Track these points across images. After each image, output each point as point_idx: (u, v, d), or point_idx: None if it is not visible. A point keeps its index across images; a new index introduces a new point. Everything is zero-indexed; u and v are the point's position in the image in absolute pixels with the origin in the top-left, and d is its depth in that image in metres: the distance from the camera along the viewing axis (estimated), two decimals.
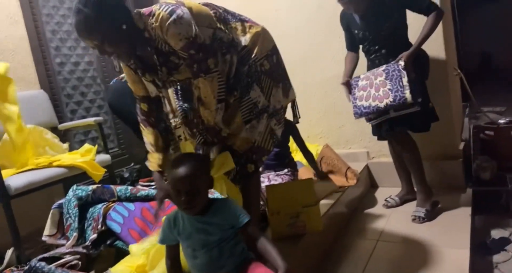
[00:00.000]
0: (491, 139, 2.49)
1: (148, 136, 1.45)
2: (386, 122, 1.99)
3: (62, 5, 2.65)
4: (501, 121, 2.55)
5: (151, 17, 1.24)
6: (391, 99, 1.84)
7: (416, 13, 1.94)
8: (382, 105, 1.87)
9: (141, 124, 1.47)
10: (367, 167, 2.53)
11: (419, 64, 1.92)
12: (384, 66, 1.91)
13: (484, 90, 5.52)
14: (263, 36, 1.48)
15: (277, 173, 2.13)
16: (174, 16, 1.20)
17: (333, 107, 2.67)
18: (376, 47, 2.01)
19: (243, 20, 1.47)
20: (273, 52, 1.51)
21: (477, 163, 2.36)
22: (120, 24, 1.20)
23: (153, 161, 1.44)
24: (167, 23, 1.20)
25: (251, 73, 1.41)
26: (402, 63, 1.85)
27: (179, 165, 1.09)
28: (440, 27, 2.23)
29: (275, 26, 2.72)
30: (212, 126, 1.35)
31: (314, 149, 2.58)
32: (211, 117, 1.32)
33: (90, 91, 2.75)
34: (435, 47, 2.25)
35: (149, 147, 1.46)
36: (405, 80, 1.82)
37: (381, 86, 1.90)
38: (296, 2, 2.68)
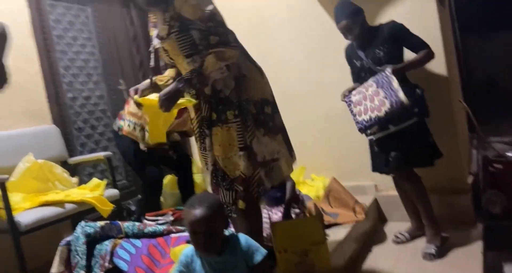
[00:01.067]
0: (500, 172, 2.47)
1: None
2: (387, 159, 2.00)
3: (75, 42, 2.76)
4: (510, 154, 2.54)
5: None
6: (388, 106, 1.84)
7: (408, 49, 2.01)
8: (381, 114, 1.88)
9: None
10: (375, 201, 2.51)
11: (415, 101, 1.93)
12: (373, 78, 1.95)
13: (492, 120, 5.51)
14: (259, 83, 1.58)
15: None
16: None
17: (339, 139, 2.69)
18: (365, 77, 2.05)
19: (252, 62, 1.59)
20: (265, 103, 1.57)
21: (487, 196, 2.32)
22: None
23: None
24: None
25: (243, 107, 1.48)
26: (389, 69, 1.88)
27: (196, 206, 1.10)
28: (443, 61, 2.28)
29: (276, 57, 2.84)
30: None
31: (321, 181, 2.58)
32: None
33: (100, 124, 2.81)
34: (439, 80, 2.28)
35: None
36: (395, 84, 1.83)
37: (374, 96, 1.91)
38: (297, 34, 2.75)
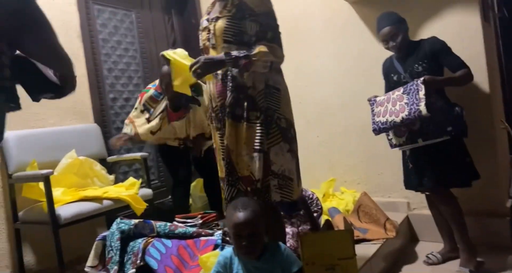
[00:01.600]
0: None
1: None
2: (421, 177, 1.95)
3: (119, 46, 2.88)
4: None
5: None
6: (406, 113, 1.82)
7: (447, 68, 1.97)
8: (398, 119, 1.87)
9: None
10: (407, 219, 2.44)
11: (452, 120, 1.89)
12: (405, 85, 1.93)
13: None
14: (289, 102, 1.61)
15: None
16: None
17: (373, 153, 2.65)
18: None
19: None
20: (292, 127, 1.60)
21: None
22: None
23: None
24: None
25: (268, 114, 1.50)
26: (421, 79, 1.84)
27: (240, 209, 1.15)
28: (486, 78, 2.21)
29: (314, 69, 2.85)
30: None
31: (351, 195, 2.55)
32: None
33: None
34: (481, 98, 2.22)
35: None
36: (421, 93, 1.80)
37: (398, 100, 1.90)
38: (336, 48, 2.75)
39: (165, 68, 2.28)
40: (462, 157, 1.92)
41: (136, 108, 2.43)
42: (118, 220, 1.82)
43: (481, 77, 2.20)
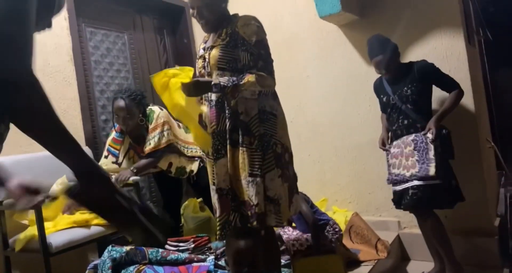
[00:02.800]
0: None
1: None
2: (408, 197, 1.99)
3: (111, 67, 2.90)
4: None
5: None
6: (417, 170, 1.92)
7: (439, 88, 2.05)
8: (408, 174, 1.95)
9: None
10: (398, 238, 2.47)
11: (441, 143, 1.94)
12: (413, 136, 1.99)
13: None
14: (286, 126, 1.65)
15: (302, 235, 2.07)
16: (259, 22, 1.59)
17: (364, 173, 2.68)
18: (399, 115, 2.07)
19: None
20: (288, 151, 1.63)
21: None
22: (221, 2, 1.61)
23: None
24: (252, 21, 1.57)
25: (265, 139, 1.54)
26: (429, 136, 1.89)
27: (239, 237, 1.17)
28: (471, 100, 2.27)
29: (306, 90, 2.89)
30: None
31: (343, 215, 2.57)
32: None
33: None
34: (467, 119, 2.27)
35: None
36: (431, 153, 1.88)
37: (410, 156, 1.97)
38: (325, 69, 2.80)
39: (120, 102, 2.23)
40: (448, 179, 1.96)
41: (105, 157, 2.39)
42: (110, 247, 1.82)
43: (466, 99, 2.25)
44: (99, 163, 2.38)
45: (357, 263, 2.14)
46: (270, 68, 1.57)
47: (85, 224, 2.00)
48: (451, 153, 2.00)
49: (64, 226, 1.96)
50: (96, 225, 2.01)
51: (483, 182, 2.27)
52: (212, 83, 1.49)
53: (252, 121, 1.54)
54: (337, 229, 2.01)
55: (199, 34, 3.38)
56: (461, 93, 2.02)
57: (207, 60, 1.61)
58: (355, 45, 2.66)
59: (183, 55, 3.34)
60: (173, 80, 1.59)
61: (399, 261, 2.42)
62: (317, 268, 1.68)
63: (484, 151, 2.38)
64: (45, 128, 0.73)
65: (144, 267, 1.78)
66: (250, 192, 1.50)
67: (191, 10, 1.64)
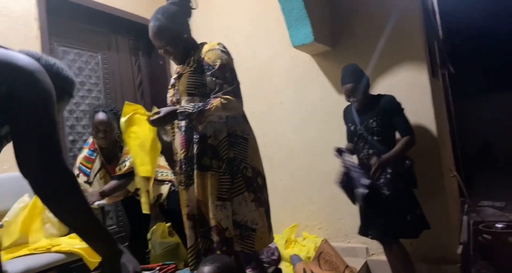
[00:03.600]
0: (489, 243, 2.49)
1: None
2: (372, 224, 2.02)
3: (82, 87, 2.85)
4: (499, 225, 2.58)
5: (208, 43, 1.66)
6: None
7: (395, 127, 2.11)
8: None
9: None
10: (366, 264, 2.49)
11: (404, 174, 2.02)
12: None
13: (486, 184, 5.61)
14: (260, 157, 1.66)
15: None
16: (223, 47, 1.63)
17: (334, 199, 2.71)
18: (364, 144, 2.13)
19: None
20: (260, 175, 1.65)
21: (476, 268, 2.33)
22: (183, 34, 1.63)
23: None
24: (217, 46, 1.60)
25: (234, 163, 1.56)
26: (375, 162, 2.00)
27: (207, 263, 1.19)
28: (435, 131, 2.37)
29: (278, 115, 2.94)
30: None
31: (313, 241, 2.57)
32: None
33: None
34: (431, 149, 2.36)
35: None
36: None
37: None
38: (299, 96, 2.87)
39: (101, 115, 2.21)
40: (412, 209, 2.01)
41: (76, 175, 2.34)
42: None
43: (430, 130, 2.36)
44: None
45: None
46: (236, 91, 1.57)
47: (46, 251, 1.91)
48: (414, 182, 2.06)
49: (23, 253, 1.86)
50: (57, 251, 1.91)
51: (446, 210, 2.34)
52: (178, 111, 1.51)
53: (220, 144, 1.55)
54: (276, 256, 2.04)
55: None
56: (411, 141, 2.04)
57: (176, 87, 1.63)
58: (327, 74, 2.75)
59: (158, 77, 3.34)
60: (137, 116, 1.63)
61: None
62: None
63: (447, 180, 2.47)
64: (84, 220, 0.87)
65: None
66: (218, 216, 1.49)
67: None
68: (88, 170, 2.31)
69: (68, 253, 1.91)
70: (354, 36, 2.62)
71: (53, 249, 1.91)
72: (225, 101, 1.50)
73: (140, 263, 2.06)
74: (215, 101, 1.50)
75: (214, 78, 1.55)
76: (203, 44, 1.67)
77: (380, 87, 2.49)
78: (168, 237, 2.76)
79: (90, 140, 2.36)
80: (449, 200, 2.40)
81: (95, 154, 2.33)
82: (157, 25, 1.59)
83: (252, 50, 3.01)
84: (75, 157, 2.70)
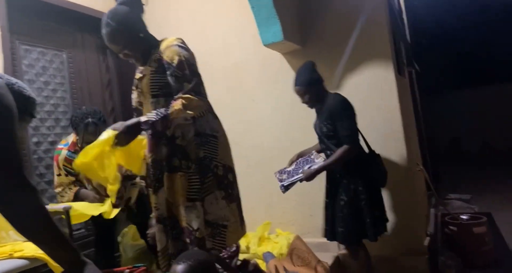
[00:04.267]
0: (455, 234, 2.58)
1: None
2: (333, 229, 2.08)
3: (47, 87, 2.75)
4: (464, 217, 2.68)
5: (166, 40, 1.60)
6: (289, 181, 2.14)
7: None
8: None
9: None
10: (337, 259, 2.52)
11: (367, 174, 2.03)
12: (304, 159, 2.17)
13: (453, 177, 5.83)
14: (230, 153, 1.64)
15: None
16: (181, 42, 1.57)
17: (306, 196, 2.74)
18: (323, 146, 2.15)
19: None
20: (231, 171, 1.64)
21: (442, 259, 2.41)
22: (138, 34, 1.57)
23: None
24: (174, 42, 1.55)
25: (204, 163, 1.53)
26: (302, 176, 2.07)
27: (180, 262, 1.13)
28: (400, 128, 2.43)
29: (252, 115, 2.94)
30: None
31: (286, 238, 2.59)
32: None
33: None
34: (398, 146, 2.42)
35: None
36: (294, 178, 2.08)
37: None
38: (270, 94, 2.88)
39: (92, 128, 2.17)
40: (371, 211, 1.99)
41: (59, 175, 2.27)
42: None
43: (396, 126, 2.42)
44: (57, 182, 2.28)
45: None
46: (197, 88, 1.52)
47: (8, 257, 1.83)
48: (381, 180, 2.06)
49: None
50: (19, 257, 1.83)
51: (413, 204, 2.41)
52: (140, 118, 1.47)
53: (188, 144, 1.53)
54: (236, 247, 2.06)
55: None
56: (348, 151, 1.94)
57: (139, 89, 1.60)
58: None
59: (127, 76, 3.25)
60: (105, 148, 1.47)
61: None
62: None
63: (414, 174, 2.55)
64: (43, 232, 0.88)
65: None
66: (189, 217, 1.48)
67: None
68: (73, 170, 2.25)
69: (32, 259, 1.83)
70: (323, 35, 2.66)
71: (16, 254, 1.82)
72: (186, 102, 1.46)
73: (109, 267, 2.02)
74: (176, 104, 1.46)
75: (173, 77, 1.51)
76: (162, 41, 1.63)
77: (347, 85, 2.54)
78: (140, 239, 2.70)
79: (70, 139, 2.30)
80: (416, 193, 2.47)
81: (75, 155, 2.25)
82: (109, 31, 1.53)
83: (226, 49, 3.00)
84: (39, 159, 2.61)
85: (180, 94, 1.48)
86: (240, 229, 1.62)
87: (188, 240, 1.49)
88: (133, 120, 1.48)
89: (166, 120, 1.45)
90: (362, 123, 2.40)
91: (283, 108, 2.84)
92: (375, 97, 2.45)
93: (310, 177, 2.03)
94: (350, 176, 2.01)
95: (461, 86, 8.36)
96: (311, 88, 2.08)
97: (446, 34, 7.61)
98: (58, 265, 1.88)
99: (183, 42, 1.58)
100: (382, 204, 2.10)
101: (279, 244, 2.52)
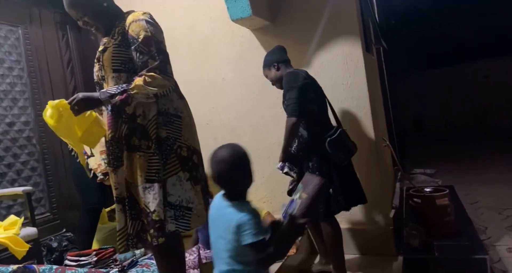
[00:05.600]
0: (419, 206, 2.68)
1: None
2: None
3: (2, 65, 2.59)
4: (427, 189, 2.78)
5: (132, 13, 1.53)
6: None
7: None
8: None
9: None
10: (307, 234, 2.58)
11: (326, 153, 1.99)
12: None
13: (418, 153, 6.05)
14: (196, 134, 1.61)
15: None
16: (150, 17, 1.50)
17: (277, 173, 2.72)
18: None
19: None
20: (196, 153, 1.59)
21: (407, 230, 2.51)
22: (101, 2, 1.51)
23: None
24: (142, 16, 1.47)
25: (167, 143, 1.49)
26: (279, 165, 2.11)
27: (218, 150, 1.23)
28: (367, 104, 2.46)
29: (220, 91, 2.90)
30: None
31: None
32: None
33: (24, 152, 2.62)
34: (365, 122, 2.45)
35: None
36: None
37: None
38: (240, 72, 2.83)
39: None
40: (337, 186, 2.00)
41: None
42: None
43: (363, 102, 2.45)
44: (89, 163, 2.23)
45: None
46: (163, 66, 1.44)
47: None
48: (342, 155, 2.01)
49: None
50: None
51: (379, 178, 2.48)
52: (101, 91, 1.43)
53: (149, 124, 1.47)
54: None
55: None
56: (291, 124, 1.95)
57: (101, 62, 1.52)
58: (267, 49, 2.71)
59: (89, 53, 3.11)
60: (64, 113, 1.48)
61: (307, 256, 2.53)
62: None
63: (380, 150, 2.61)
64: None
65: None
66: (146, 199, 1.43)
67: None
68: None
69: None
70: (292, 11, 2.62)
71: None
72: (149, 79, 1.40)
73: (87, 247, 1.97)
74: (137, 80, 1.40)
75: (138, 53, 1.44)
76: (128, 13, 1.55)
77: (316, 62, 2.54)
78: (108, 222, 2.64)
79: None
80: (381, 168, 2.54)
81: None
82: None
83: (194, 26, 2.90)
84: None
85: (143, 72, 1.42)
86: (205, 213, 1.60)
87: (145, 221, 1.45)
88: (90, 93, 1.45)
89: (126, 94, 1.40)
90: (330, 99, 2.42)
91: (251, 85, 2.80)
92: (343, 75, 2.46)
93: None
94: (313, 156, 2.01)
95: (427, 66, 8.62)
96: (271, 69, 2.16)
97: (415, 15, 7.75)
98: (19, 248, 1.83)
99: (151, 17, 1.51)
100: (353, 178, 2.10)
101: None
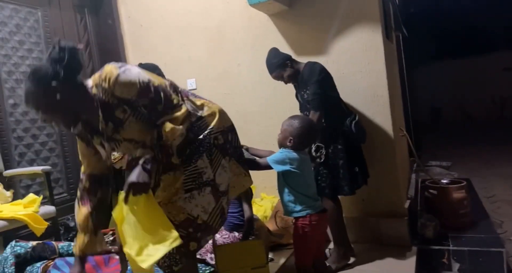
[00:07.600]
0: (434, 197, 2.65)
1: (78, 215, 1.42)
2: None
3: (22, 46, 2.62)
4: (444, 181, 2.74)
5: (99, 75, 1.28)
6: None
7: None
8: None
9: (77, 200, 1.45)
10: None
11: (342, 134, 2.06)
12: None
13: (434, 145, 5.96)
14: (222, 113, 1.54)
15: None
16: (122, 68, 1.25)
17: None
18: (307, 113, 2.14)
19: (201, 98, 1.54)
20: (230, 130, 1.56)
21: (421, 221, 2.48)
22: (55, 97, 1.18)
23: (77, 244, 1.38)
24: (117, 73, 1.23)
25: (204, 143, 1.43)
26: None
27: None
28: (386, 92, 2.41)
29: (234, 77, 2.88)
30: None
31: (270, 201, 2.61)
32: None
33: (43, 133, 2.67)
34: (382, 111, 2.41)
35: (77, 227, 1.43)
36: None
37: None
38: (256, 58, 2.80)
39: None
40: (351, 166, 2.06)
41: None
42: (13, 242, 1.65)
43: (382, 90, 2.40)
44: None
45: (281, 246, 2.21)
46: (169, 103, 1.31)
47: None
48: (358, 139, 2.13)
49: None
50: None
51: (395, 168, 2.44)
52: (141, 164, 1.25)
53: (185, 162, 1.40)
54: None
55: (124, 15, 3.19)
56: (315, 116, 1.99)
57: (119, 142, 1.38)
58: (284, 35, 2.69)
59: (107, 37, 3.13)
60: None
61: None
62: (239, 252, 1.69)
63: (397, 139, 2.57)
64: None
65: (52, 262, 1.64)
66: (190, 207, 1.37)
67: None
68: None
69: (11, 220, 1.80)
70: None
71: None
72: (172, 121, 1.29)
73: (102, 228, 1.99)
74: (164, 127, 1.27)
75: (144, 108, 1.30)
76: (94, 83, 1.30)
77: (334, 48, 2.49)
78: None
79: None
80: (398, 158, 2.50)
81: None
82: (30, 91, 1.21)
83: (209, 10, 2.87)
84: (17, 122, 2.52)
85: (159, 122, 1.29)
86: (244, 174, 1.63)
87: (190, 230, 1.35)
88: (136, 172, 1.24)
89: (165, 147, 1.28)
90: (348, 86, 2.39)
91: (268, 72, 2.77)
92: (362, 62, 2.41)
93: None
94: (339, 138, 2.06)
95: (445, 57, 8.41)
96: (285, 68, 2.16)
97: (435, 5, 7.54)
98: (38, 225, 1.87)
99: (121, 65, 1.27)
100: (362, 160, 2.16)
101: (263, 207, 2.55)
